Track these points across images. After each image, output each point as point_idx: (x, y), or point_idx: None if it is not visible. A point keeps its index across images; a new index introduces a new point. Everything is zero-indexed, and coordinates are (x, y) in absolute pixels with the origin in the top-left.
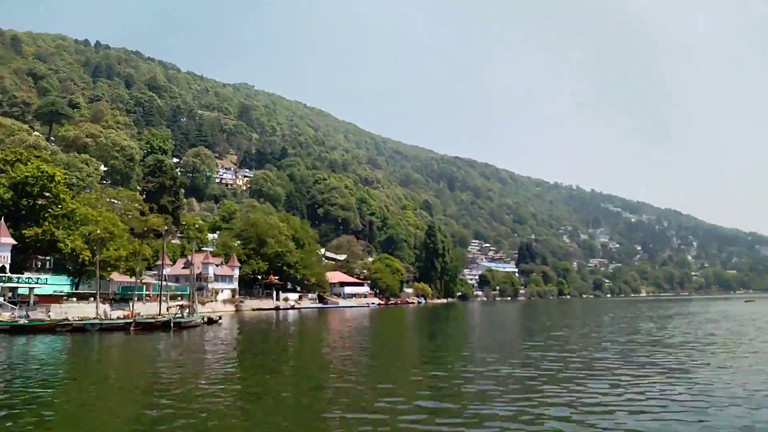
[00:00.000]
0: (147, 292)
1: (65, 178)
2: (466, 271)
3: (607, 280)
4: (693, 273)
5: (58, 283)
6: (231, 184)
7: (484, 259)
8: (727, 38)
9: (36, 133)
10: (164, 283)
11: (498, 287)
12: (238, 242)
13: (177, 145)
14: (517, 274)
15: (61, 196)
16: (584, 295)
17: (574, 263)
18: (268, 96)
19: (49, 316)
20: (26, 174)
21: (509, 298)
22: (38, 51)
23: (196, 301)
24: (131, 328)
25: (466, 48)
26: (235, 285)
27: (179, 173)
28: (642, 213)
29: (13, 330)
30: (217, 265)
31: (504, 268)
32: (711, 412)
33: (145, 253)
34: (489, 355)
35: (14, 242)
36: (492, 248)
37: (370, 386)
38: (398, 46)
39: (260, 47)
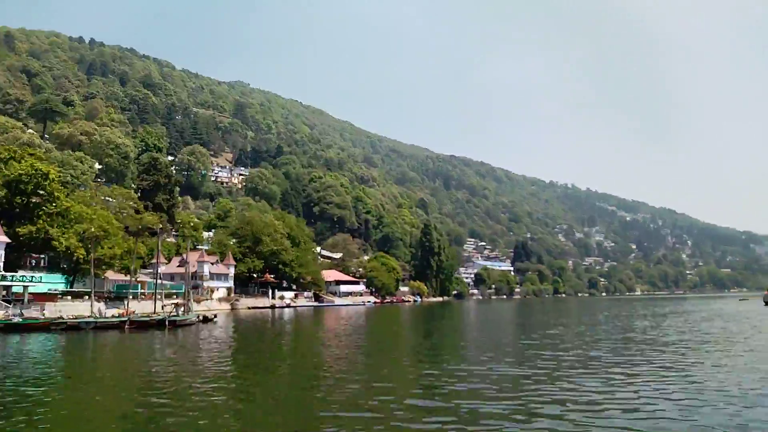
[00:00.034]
0: (142, 291)
1: (59, 176)
2: (461, 269)
3: (602, 279)
4: (688, 272)
5: (53, 282)
6: (226, 183)
7: (480, 258)
8: (725, 38)
9: (30, 130)
10: (159, 281)
11: (493, 286)
12: (234, 240)
13: (172, 143)
14: (512, 273)
15: (56, 194)
16: (579, 294)
17: (570, 262)
18: (263, 94)
19: (44, 315)
20: (20, 172)
21: (505, 297)
22: (32, 48)
23: (191, 300)
24: (126, 326)
25: (461, 47)
26: (231, 283)
27: (174, 171)
28: (637, 212)
29: (7, 328)
30: (212, 264)
31: (499, 266)
32: (705, 410)
33: (140, 252)
34: (484, 354)
35: (8, 240)
36: (487, 247)
37: (366, 384)
38: (395, 44)
39: (255, 45)
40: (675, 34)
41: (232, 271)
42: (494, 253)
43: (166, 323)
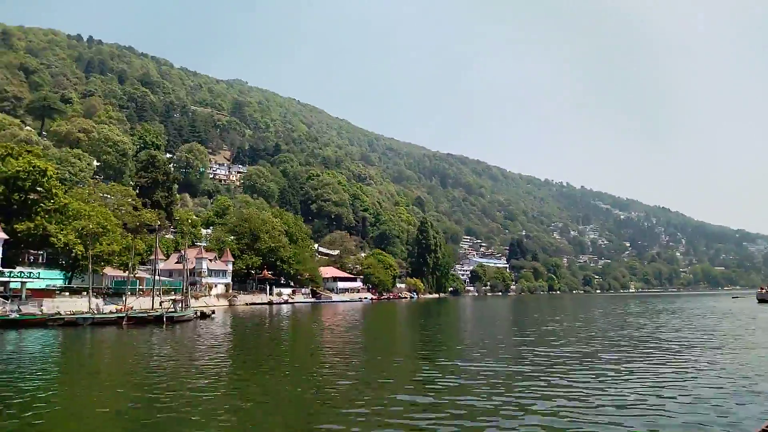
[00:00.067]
0: (140, 287)
1: (57, 173)
2: (457, 266)
3: (596, 276)
4: (681, 269)
5: (51, 278)
6: (224, 180)
7: (476, 255)
8: (722, 37)
9: (28, 127)
10: (157, 277)
11: (489, 283)
12: (232, 237)
13: (170, 140)
14: (508, 270)
15: (54, 190)
16: (574, 291)
17: (564, 259)
18: (261, 92)
19: (42, 311)
20: (18, 168)
21: (500, 294)
22: (29, 45)
23: (189, 296)
24: (124, 322)
25: (458, 46)
26: (229, 280)
27: (172, 169)
28: (631, 210)
29: (5, 324)
30: (210, 260)
31: (495, 264)
32: (698, 406)
33: (139, 248)
34: (480, 350)
35: (6, 237)
36: (483, 244)
37: (362, 381)
38: (392, 42)
39: (254, 44)
40: (670, 33)
41: (230, 267)
42: (490, 250)
43: (164, 319)
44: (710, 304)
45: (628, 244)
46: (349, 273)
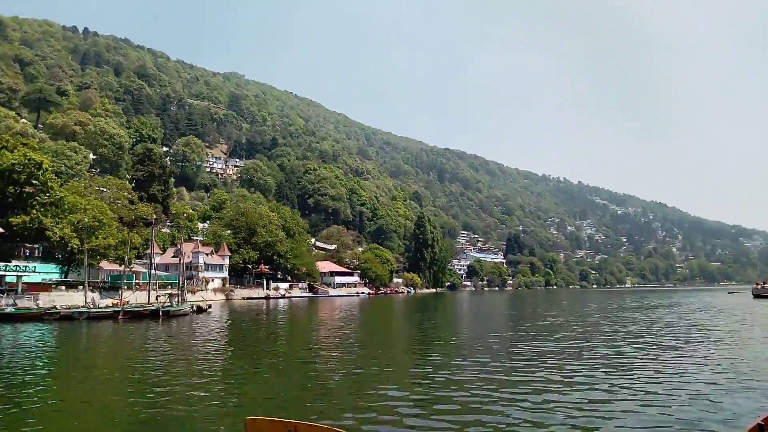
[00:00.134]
0: (137, 281)
1: (53, 166)
2: (454, 261)
3: (593, 271)
4: (678, 265)
5: (47, 272)
6: (221, 174)
7: (473, 250)
8: (720, 35)
9: (23, 120)
10: (153, 271)
11: (486, 277)
12: (229, 231)
13: (166, 133)
14: (504, 265)
15: (49, 184)
16: (570, 286)
17: (561, 254)
18: (258, 86)
19: (37, 305)
20: (13, 161)
21: (497, 289)
22: (24, 37)
23: (186, 290)
24: (119, 316)
25: (456, 42)
26: (226, 274)
27: (169, 162)
28: (628, 205)
29: (0, 318)
30: (207, 254)
31: (492, 258)
32: (693, 401)
33: (135, 242)
34: (476, 345)
35: (1, 230)
36: (480, 239)
37: (358, 375)
38: (390, 37)
39: (251, 37)
40: (665, 29)
41: (227, 261)
42: (487, 245)
43: (160, 313)
44: (706, 300)
45: (624, 240)
46: (347, 268)
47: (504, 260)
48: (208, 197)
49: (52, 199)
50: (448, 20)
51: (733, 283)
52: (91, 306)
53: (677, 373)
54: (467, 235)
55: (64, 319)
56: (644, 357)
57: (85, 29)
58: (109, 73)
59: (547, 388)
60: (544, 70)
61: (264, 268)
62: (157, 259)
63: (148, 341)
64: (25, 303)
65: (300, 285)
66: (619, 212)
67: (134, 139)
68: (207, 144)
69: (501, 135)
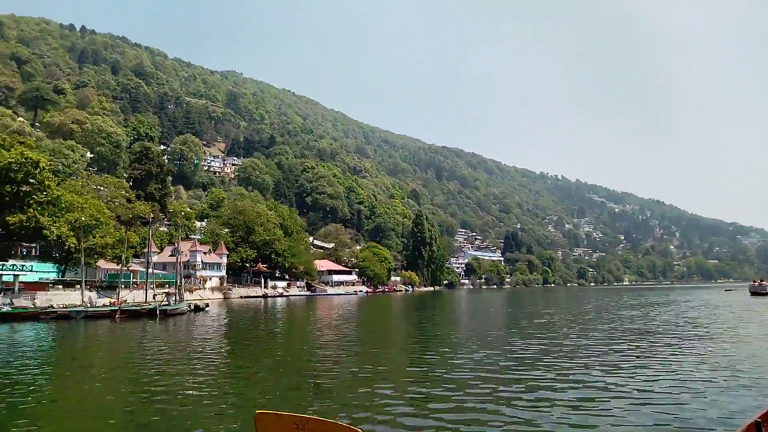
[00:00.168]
0: (134, 280)
1: (50, 165)
2: (452, 259)
3: (590, 269)
4: (675, 262)
5: (44, 271)
6: (219, 172)
7: (471, 248)
8: (718, 34)
9: (20, 118)
10: (151, 270)
11: (484, 275)
12: (226, 230)
13: (164, 132)
14: (502, 263)
15: (46, 182)
16: (568, 284)
17: (559, 252)
18: (256, 84)
19: (34, 304)
20: (9, 160)
21: (495, 287)
22: (21, 35)
23: (183, 289)
24: (117, 315)
25: (454, 40)
26: (223, 273)
27: (166, 160)
28: (626, 203)
29: None
30: (204, 253)
31: (490, 256)
32: (689, 398)
33: (132, 241)
34: (474, 343)
35: None
36: (478, 237)
37: (356, 373)
38: (388, 35)
39: (248, 35)
40: (662, 28)
41: (224, 260)
42: (485, 243)
43: (157, 312)
44: (703, 297)
45: (622, 237)
46: (345, 266)
47: (502, 258)
48: (206, 196)
49: (49, 198)
50: (448, 19)
51: (731, 280)
52: (88, 305)
53: (674, 371)
54: (465, 233)
55: (61, 319)
56: (641, 354)
57: (83, 27)
58: (107, 71)
59: (543, 386)
60: (543, 69)
61: (262, 266)
62: (154, 258)
63: (145, 340)
64: (22, 302)
65: (298, 283)
66: (616, 210)
67: (131, 138)
68: (205, 142)
69: (499, 133)
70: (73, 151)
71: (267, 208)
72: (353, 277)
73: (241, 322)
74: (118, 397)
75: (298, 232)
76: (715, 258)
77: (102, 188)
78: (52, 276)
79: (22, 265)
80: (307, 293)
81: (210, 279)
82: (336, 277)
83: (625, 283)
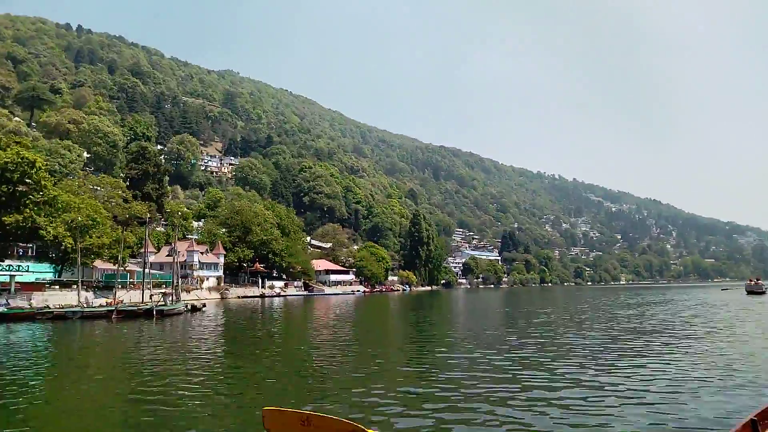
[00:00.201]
0: (131, 280)
1: (47, 165)
2: (450, 259)
3: (587, 268)
4: (672, 261)
5: (41, 271)
6: (216, 172)
7: (468, 248)
8: (717, 34)
9: (16, 118)
10: (148, 270)
11: (481, 275)
12: (224, 230)
13: (161, 132)
14: (500, 262)
15: (43, 182)
16: (565, 283)
17: (556, 251)
18: (253, 83)
19: (31, 304)
20: (5, 160)
21: (492, 286)
22: (17, 34)
23: (180, 289)
24: (113, 315)
25: (451, 39)
26: (221, 272)
27: (163, 160)
28: (622, 202)
29: None
30: (201, 253)
31: (487, 256)
32: (686, 399)
33: (129, 241)
34: (471, 342)
35: None
36: (475, 237)
37: (352, 373)
38: (385, 34)
39: (245, 34)
40: (659, 27)
41: (221, 260)
42: (482, 242)
43: (154, 312)
44: (700, 296)
45: (619, 237)
46: (342, 266)
47: (499, 258)
48: (203, 195)
49: (46, 198)
50: (447, 19)
51: (727, 279)
52: (85, 305)
53: (671, 370)
54: (462, 232)
55: (57, 319)
56: (637, 353)
57: (79, 27)
58: (103, 70)
59: (539, 386)
60: (541, 69)
61: (259, 266)
62: (151, 258)
63: (142, 341)
64: (18, 302)
65: (295, 283)
66: (613, 209)
67: (128, 138)
68: (202, 142)
69: (496, 132)
70: (69, 151)
71: (264, 208)
72: (350, 276)
73: (238, 322)
74: (114, 397)
75: (295, 231)
76: (711, 257)
77: (99, 188)
78: (49, 276)
79: (19, 266)
80: (305, 293)
81: (207, 279)
82: (333, 277)
83: (621, 282)
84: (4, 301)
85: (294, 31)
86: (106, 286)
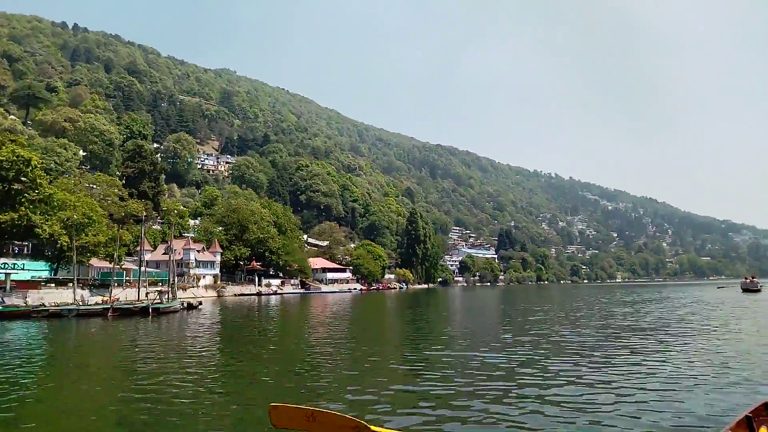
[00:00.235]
0: (127, 278)
1: (42, 163)
2: (446, 257)
3: (584, 266)
4: (668, 259)
5: (36, 269)
6: (213, 171)
7: (465, 246)
8: (717, 34)
9: (12, 116)
10: (144, 268)
11: (478, 273)
12: (220, 228)
13: (157, 130)
14: (496, 261)
15: (38, 181)
16: (562, 281)
17: (553, 250)
18: (250, 82)
19: (26, 302)
20: (1, 158)
21: (489, 284)
22: (12, 32)
23: (176, 287)
24: (109, 313)
25: (448, 38)
26: (217, 271)
27: (160, 159)
28: (619, 201)
29: None
30: (198, 251)
31: (484, 254)
32: (682, 396)
33: (125, 239)
34: (466, 340)
35: None
36: (472, 235)
37: (349, 371)
38: (383, 34)
39: (242, 33)
40: (655, 27)
41: (218, 258)
42: (479, 241)
43: (150, 310)
44: (696, 294)
45: (615, 235)
46: (339, 264)
47: (496, 256)
48: (200, 194)
49: (42, 196)
50: (445, 18)
51: (723, 277)
52: (81, 303)
53: (666, 367)
54: (459, 230)
55: (52, 317)
56: (632, 351)
57: (75, 25)
58: (99, 69)
59: (533, 384)
60: (540, 68)
61: (256, 264)
62: (147, 256)
63: (137, 338)
64: (14, 300)
65: (292, 281)
66: (609, 208)
67: (125, 136)
68: (198, 140)
69: (493, 131)
70: (65, 149)
71: (261, 206)
72: (347, 274)
73: (234, 320)
74: (109, 395)
75: (292, 230)
76: (707, 255)
77: (95, 186)
78: (44, 274)
79: (14, 264)
80: (302, 291)
81: (204, 277)
82: (330, 275)
83: (617, 280)
84: None
85: (291, 29)
86: (102, 284)
